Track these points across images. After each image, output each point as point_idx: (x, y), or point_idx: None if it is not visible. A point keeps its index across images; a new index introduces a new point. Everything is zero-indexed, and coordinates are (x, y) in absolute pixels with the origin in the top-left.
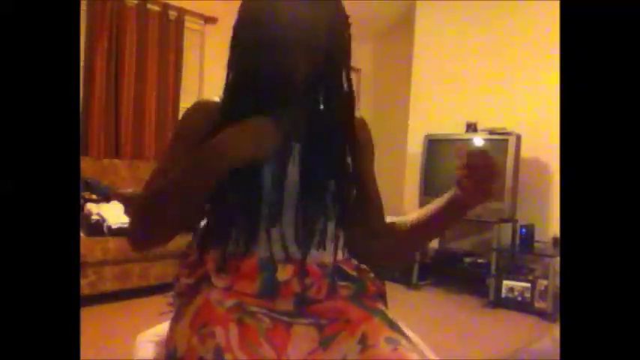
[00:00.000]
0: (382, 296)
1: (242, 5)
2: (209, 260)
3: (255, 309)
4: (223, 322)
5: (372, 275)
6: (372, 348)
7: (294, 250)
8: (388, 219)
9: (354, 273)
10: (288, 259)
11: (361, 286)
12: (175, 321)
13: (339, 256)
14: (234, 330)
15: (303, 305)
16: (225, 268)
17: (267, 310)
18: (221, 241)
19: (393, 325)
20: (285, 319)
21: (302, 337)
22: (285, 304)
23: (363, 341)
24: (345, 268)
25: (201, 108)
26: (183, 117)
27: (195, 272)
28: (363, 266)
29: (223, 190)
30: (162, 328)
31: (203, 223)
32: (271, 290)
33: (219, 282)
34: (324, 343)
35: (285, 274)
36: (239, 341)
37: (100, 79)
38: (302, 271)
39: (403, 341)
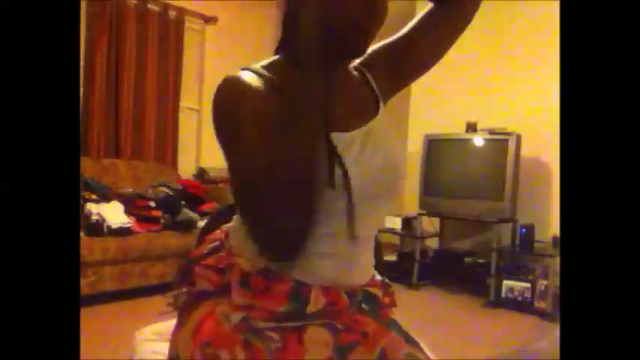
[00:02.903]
0: (393, 306)
1: None
2: (236, 269)
3: (263, 325)
4: (229, 345)
5: (391, 289)
6: None
7: (335, 270)
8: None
9: (379, 292)
10: (324, 287)
11: (379, 303)
12: (179, 326)
13: (371, 272)
14: (241, 354)
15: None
16: (250, 285)
17: (275, 324)
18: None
19: (409, 339)
20: (297, 324)
21: (316, 344)
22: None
23: (383, 358)
24: (372, 291)
25: (247, 87)
26: (236, 104)
27: (216, 280)
28: (386, 280)
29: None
30: (162, 326)
31: (232, 223)
32: (294, 319)
33: (239, 298)
34: (341, 353)
35: (317, 307)
36: None
37: (100, 79)
38: (332, 303)
39: (422, 356)
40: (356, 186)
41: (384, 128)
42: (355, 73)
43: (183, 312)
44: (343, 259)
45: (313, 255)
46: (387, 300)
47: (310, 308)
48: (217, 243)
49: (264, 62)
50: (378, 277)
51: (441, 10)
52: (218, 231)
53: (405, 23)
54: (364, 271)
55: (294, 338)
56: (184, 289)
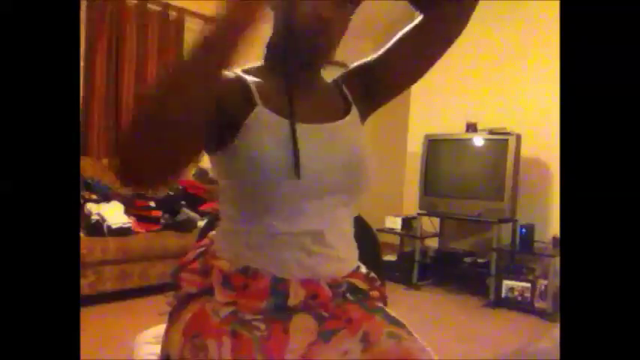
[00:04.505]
0: (383, 300)
1: None
2: (215, 270)
3: (250, 317)
4: (216, 335)
5: (379, 283)
6: (374, 345)
7: (311, 264)
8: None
9: (365, 286)
10: (303, 279)
11: (366, 294)
12: (169, 326)
13: (353, 264)
14: (227, 343)
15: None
16: (231, 284)
17: (262, 315)
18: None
19: (393, 320)
20: (283, 316)
21: (301, 330)
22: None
23: (365, 339)
24: (356, 283)
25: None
26: None
27: (200, 282)
28: (373, 275)
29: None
30: (162, 329)
31: (205, 221)
32: (277, 313)
33: (221, 297)
34: (325, 336)
35: (297, 300)
36: (232, 354)
37: (100, 79)
38: (313, 295)
39: (404, 334)
40: (312, 177)
41: (355, 132)
42: (331, 83)
43: (173, 314)
44: (314, 255)
45: (284, 250)
46: (375, 294)
47: (291, 301)
48: (203, 248)
49: (247, 66)
50: (363, 270)
51: (425, 25)
52: (212, 233)
53: (406, 24)
54: (343, 264)
55: (279, 327)
56: (173, 295)
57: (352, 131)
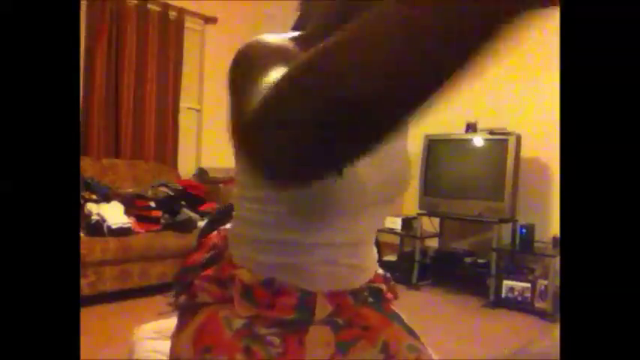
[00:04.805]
0: (395, 297)
1: None
2: (237, 282)
3: (265, 331)
4: (229, 351)
5: (393, 283)
6: (395, 356)
7: (340, 276)
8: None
9: (383, 287)
10: (329, 292)
11: (382, 295)
12: (178, 333)
13: (374, 268)
14: None
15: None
16: (254, 297)
17: (277, 329)
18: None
19: (410, 331)
20: (299, 327)
21: (318, 343)
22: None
23: (385, 350)
24: (377, 286)
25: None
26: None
27: (217, 293)
28: (388, 274)
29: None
30: (161, 324)
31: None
32: (299, 327)
33: (243, 311)
34: (343, 349)
35: (323, 314)
36: None
37: (100, 79)
38: (338, 308)
39: (423, 349)
40: (371, 187)
41: (401, 138)
42: None
43: (185, 314)
44: (347, 266)
45: (317, 262)
46: (390, 295)
47: (318, 316)
48: (216, 251)
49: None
50: (380, 271)
51: None
52: (215, 233)
53: None
54: (368, 273)
55: (295, 340)
56: (182, 300)
57: (399, 138)
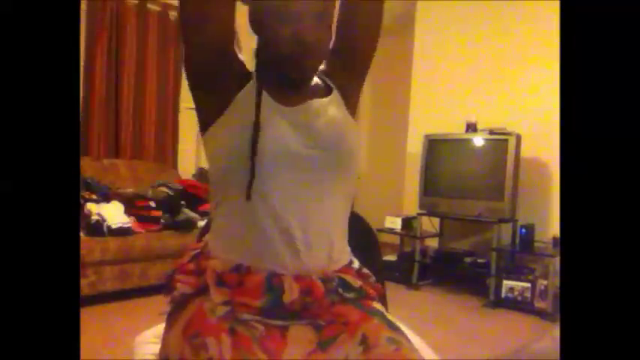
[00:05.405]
0: (382, 299)
1: None
2: (209, 270)
3: (247, 317)
4: (215, 333)
5: (373, 279)
6: (375, 348)
7: (301, 257)
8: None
9: (357, 282)
10: (296, 275)
11: (361, 292)
12: (168, 329)
13: (345, 260)
14: (226, 340)
15: (300, 311)
16: (226, 281)
17: (260, 318)
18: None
19: (392, 326)
20: (280, 323)
21: (299, 340)
22: (282, 315)
23: (365, 342)
24: (348, 279)
25: None
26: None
27: (194, 283)
28: (365, 270)
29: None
30: (162, 329)
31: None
32: (273, 311)
33: (218, 296)
34: (324, 345)
35: (292, 295)
36: (232, 352)
37: (100, 79)
38: (307, 290)
39: (404, 341)
40: (286, 155)
41: (337, 112)
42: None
43: (172, 315)
44: (303, 247)
45: (275, 244)
46: (371, 292)
47: (286, 297)
48: (198, 251)
49: None
50: (355, 266)
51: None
52: (205, 237)
53: (406, 24)
54: (333, 258)
55: (277, 333)
56: (169, 297)
57: (332, 110)
